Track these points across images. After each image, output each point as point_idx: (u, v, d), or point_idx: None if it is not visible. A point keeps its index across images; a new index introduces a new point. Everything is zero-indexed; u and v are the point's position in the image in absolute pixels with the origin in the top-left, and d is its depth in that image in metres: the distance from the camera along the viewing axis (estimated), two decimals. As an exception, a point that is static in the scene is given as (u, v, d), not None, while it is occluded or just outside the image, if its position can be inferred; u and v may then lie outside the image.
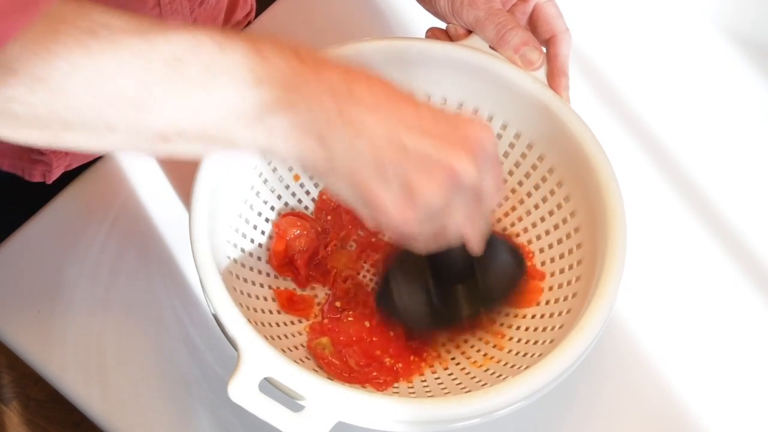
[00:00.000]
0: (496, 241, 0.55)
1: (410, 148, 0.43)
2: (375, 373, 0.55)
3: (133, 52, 0.39)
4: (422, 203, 0.44)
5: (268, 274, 0.58)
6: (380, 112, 0.42)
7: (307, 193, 0.62)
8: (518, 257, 0.59)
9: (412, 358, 0.56)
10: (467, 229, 0.47)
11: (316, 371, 0.51)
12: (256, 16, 0.79)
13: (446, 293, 0.56)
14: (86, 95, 0.39)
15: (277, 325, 0.55)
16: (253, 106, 0.41)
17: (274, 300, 0.57)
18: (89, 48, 0.38)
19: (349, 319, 0.57)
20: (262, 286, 0.57)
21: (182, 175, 0.65)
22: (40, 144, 0.41)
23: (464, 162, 0.43)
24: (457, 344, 0.57)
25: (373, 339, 0.57)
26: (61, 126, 0.40)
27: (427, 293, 0.56)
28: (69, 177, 0.67)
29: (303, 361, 0.53)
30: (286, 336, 0.55)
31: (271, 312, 0.56)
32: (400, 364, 0.56)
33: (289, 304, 0.58)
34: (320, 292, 0.59)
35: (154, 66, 0.39)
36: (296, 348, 0.55)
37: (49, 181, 0.66)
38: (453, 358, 0.56)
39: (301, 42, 0.43)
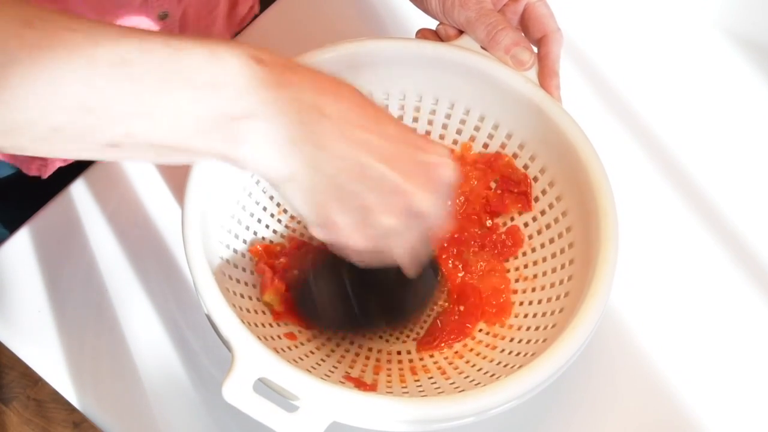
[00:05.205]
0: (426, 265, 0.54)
1: (371, 172, 0.42)
2: None
3: (75, 48, 0.36)
4: (376, 228, 0.44)
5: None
6: (345, 130, 0.41)
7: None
8: (437, 279, 0.58)
9: None
10: (409, 255, 0.47)
11: (310, 371, 0.52)
12: (259, 13, 0.79)
13: (363, 301, 0.55)
14: (25, 91, 0.36)
15: (270, 325, 0.56)
16: (208, 112, 0.39)
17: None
18: (23, 38, 0.35)
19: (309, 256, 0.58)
20: (254, 286, 0.57)
21: (178, 176, 0.65)
22: None
23: (422, 194, 0.43)
24: (449, 344, 0.58)
25: None
26: (3, 128, 0.37)
27: (345, 298, 0.55)
28: (65, 172, 0.68)
29: (296, 362, 0.54)
30: (279, 336, 0.55)
31: (264, 312, 0.56)
32: None
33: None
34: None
35: (99, 65, 0.37)
36: (290, 348, 0.55)
37: (45, 176, 0.66)
38: (446, 358, 0.57)
39: (266, 48, 0.41)
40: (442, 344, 0.57)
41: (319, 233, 0.45)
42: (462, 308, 0.59)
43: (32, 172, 0.68)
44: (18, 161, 0.67)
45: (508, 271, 0.60)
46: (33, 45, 0.36)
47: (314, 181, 0.42)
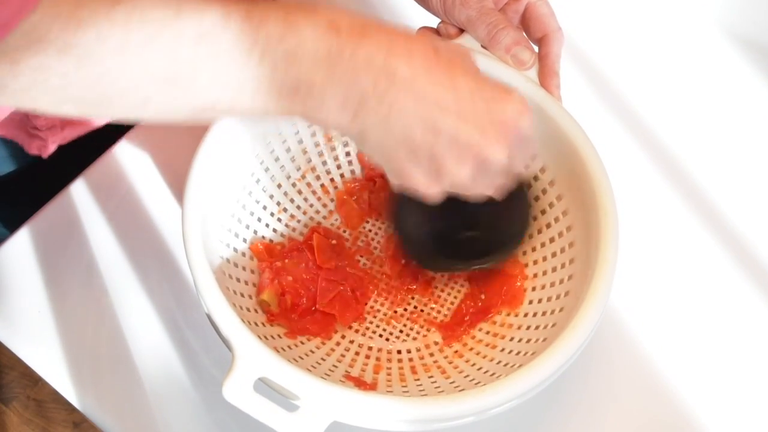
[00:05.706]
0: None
1: (443, 130, 0.43)
2: (309, 326, 0.57)
3: (161, 23, 0.38)
4: (449, 182, 0.45)
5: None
6: (416, 90, 0.42)
7: (299, 192, 0.62)
8: (526, 203, 0.59)
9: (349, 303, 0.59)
10: (487, 193, 0.49)
11: (310, 370, 0.52)
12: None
13: (451, 231, 0.57)
14: (115, 66, 0.38)
15: (271, 325, 0.56)
16: (287, 81, 0.41)
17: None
18: (113, 17, 0.37)
19: (302, 265, 0.59)
20: (255, 286, 0.57)
21: (178, 176, 0.65)
22: (80, 116, 0.42)
23: (495, 149, 0.45)
24: (449, 343, 0.58)
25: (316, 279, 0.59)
26: (95, 98, 0.40)
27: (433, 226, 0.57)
28: (65, 151, 0.67)
29: (296, 361, 0.54)
30: (279, 336, 0.55)
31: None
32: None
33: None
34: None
35: (184, 39, 0.39)
36: (290, 348, 0.55)
37: (45, 155, 0.66)
38: (446, 357, 0.57)
39: (341, 9, 0.42)
40: (470, 330, 0.58)
41: (395, 182, 0.47)
42: (483, 296, 0.59)
43: (32, 151, 0.68)
44: (19, 138, 0.67)
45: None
46: (121, 22, 0.38)
47: (387, 137, 0.44)
